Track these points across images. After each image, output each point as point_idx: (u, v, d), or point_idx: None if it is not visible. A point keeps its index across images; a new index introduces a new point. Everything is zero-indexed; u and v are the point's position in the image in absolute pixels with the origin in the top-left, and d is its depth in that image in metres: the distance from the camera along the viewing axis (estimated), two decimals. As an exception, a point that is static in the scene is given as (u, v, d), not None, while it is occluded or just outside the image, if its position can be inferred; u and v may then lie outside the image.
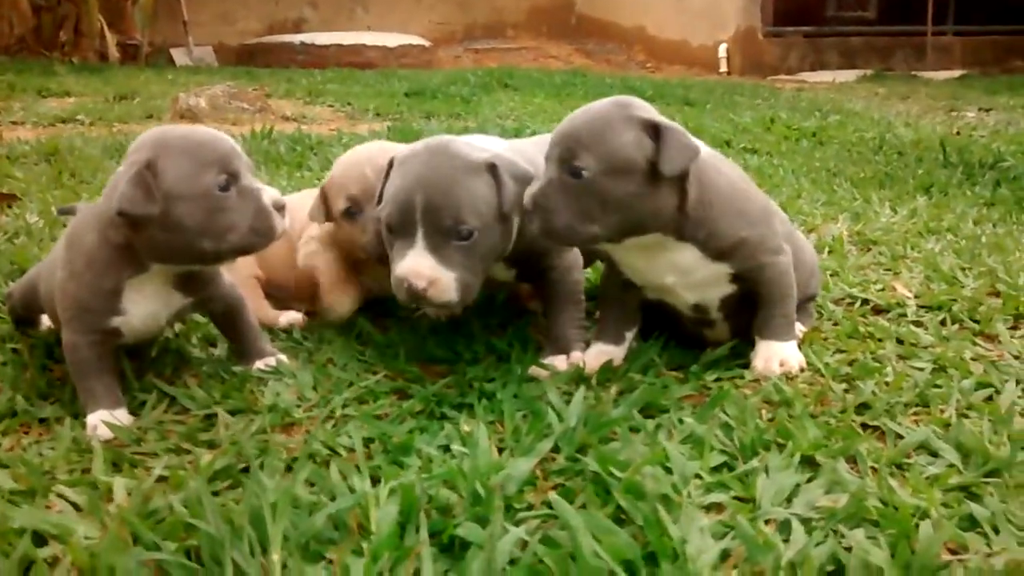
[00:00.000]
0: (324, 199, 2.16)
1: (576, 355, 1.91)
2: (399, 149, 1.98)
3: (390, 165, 1.87)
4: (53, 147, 4.60)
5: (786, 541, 1.20)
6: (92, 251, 1.69)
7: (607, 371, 1.84)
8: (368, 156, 2.11)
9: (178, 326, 2.14)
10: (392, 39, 12.27)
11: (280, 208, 1.71)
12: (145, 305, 1.75)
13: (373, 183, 2.00)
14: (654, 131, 1.67)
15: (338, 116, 6.81)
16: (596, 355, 1.90)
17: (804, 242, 2.09)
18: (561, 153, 1.69)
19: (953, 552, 1.20)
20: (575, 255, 2.01)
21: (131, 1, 11.13)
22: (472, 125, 5.74)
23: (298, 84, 8.44)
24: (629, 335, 1.95)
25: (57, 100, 7.09)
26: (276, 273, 2.28)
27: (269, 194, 1.70)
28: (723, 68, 12.00)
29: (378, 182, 1.93)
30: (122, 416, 1.68)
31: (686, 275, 1.82)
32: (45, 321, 2.13)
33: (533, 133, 5.20)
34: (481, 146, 1.86)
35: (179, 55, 11.62)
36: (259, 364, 1.91)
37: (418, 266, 1.73)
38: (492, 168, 1.78)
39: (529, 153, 1.99)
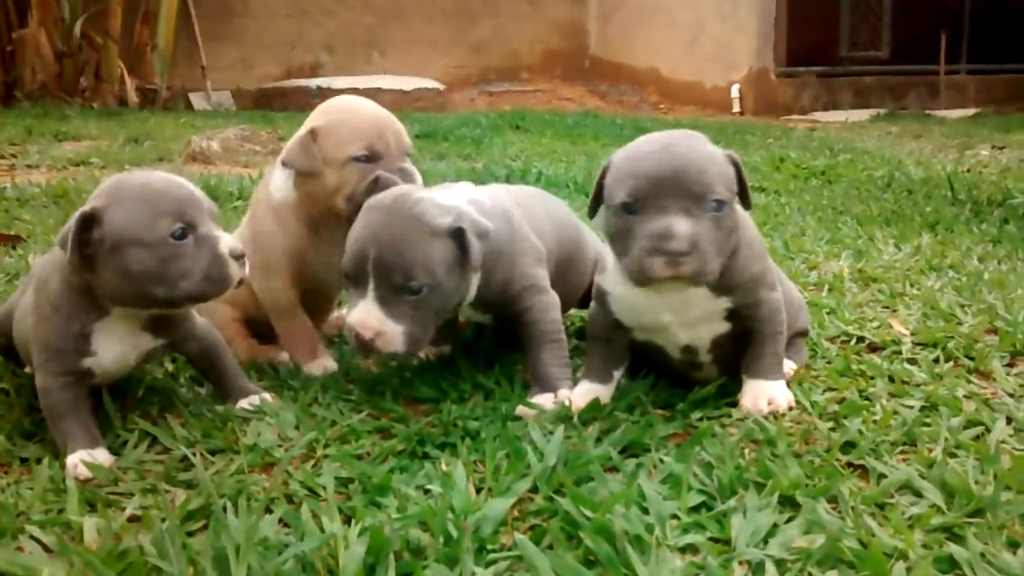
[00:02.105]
0: (314, 143, 2.10)
1: (563, 393, 1.89)
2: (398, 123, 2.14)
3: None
4: (62, 189, 4.65)
5: (759, 583, 1.17)
6: (57, 295, 1.73)
7: (593, 409, 1.81)
8: (387, 119, 2.14)
9: (168, 365, 2.15)
10: (407, 83, 12.39)
11: (238, 257, 1.72)
12: (115, 347, 1.77)
13: (392, 144, 2.10)
14: (735, 165, 1.72)
15: (349, 158, 6.86)
16: (583, 394, 1.88)
17: (785, 278, 2.07)
18: (695, 189, 1.63)
19: (930, 594, 1.17)
20: (552, 296, 2.01)
21: (151, 47, 11.31)
22: (480, 166, 5.76)
23: (311, 127, 8.48)
24: (617, 374, 1.93)
25: (72, 143, 7.18)
26: (252, 313, 2.26)
27: (226, 242, 1.71)
28: (736, 108, 12.03)
29: (396, 147, 2.10)
30: (101, 455, 1.67)
31: (684, 313, 1.80)
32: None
33: (540, 173, 5.24)
34: (449, 204, 1.87)
35: (197, 99, 11.80)
36: (243, 403, 1.90)
37: (366, 318, 1.79)
38: (458, 232, 1.81)
39: (503, 202, 2.03)
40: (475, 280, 1.90)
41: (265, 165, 5.81)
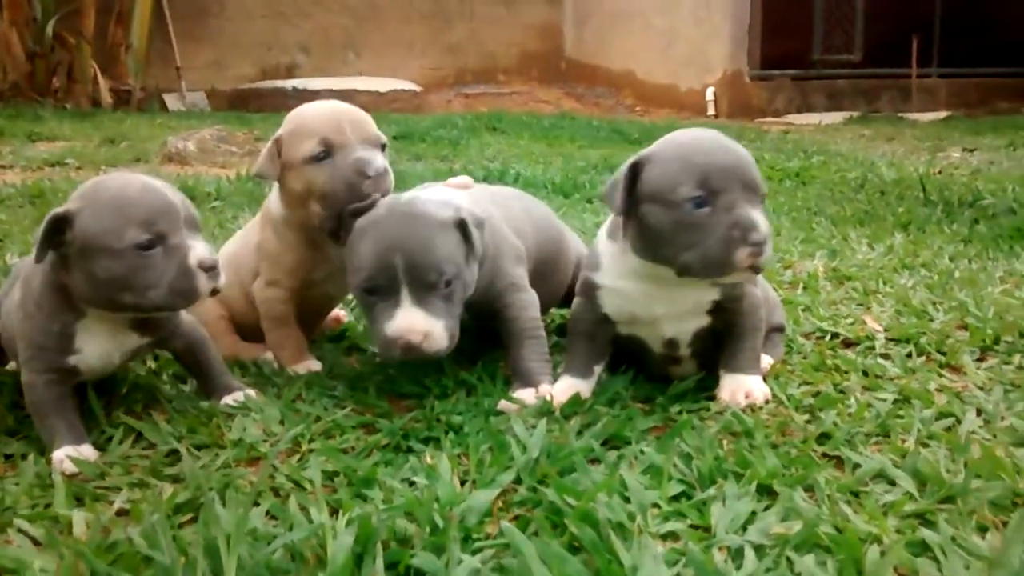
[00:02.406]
0: (279, 149, 2.09)
1: (544, 388, 1.92)
2: (359, 112, 2.09)
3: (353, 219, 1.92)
4: (38, 190, 4.63)
5: (739, 567, 1.21)
6: (40, 293, 1.74)
7: (574, 403, 1.84)
8: (344, 109, 2.09)
9: (150, 363, 2.16)
10: (384, 84, 12.37)
11: (209, 268, 1.70)
12: (99, 345, 1.78)
13: (349, 133, 2.03)
14: None
15: (326, 159, 6.85)
16: (564, 388, 1.91)
17: (760, 277, 2.11)
18: (756, 181, 1.73)
19: (903, 577, 1.20)
20: (531, 294, 2.05)
21: (124, 47, 11.22)
22: (458, 167, 5.78)
23: (288, 128, 8.45)
24: (598, 369, 1.96)
25: (46, 144, 7.13)
26: (239, 312, 2.28)
27: (197, 254, 1.69)
28: (711, 111, 12.10)
29: (353, 135, 2.03)
30: (87, 451, 1.69)
31: (676, 305, 1.85)
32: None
33: (518, 174, 5.27)
34: (442, 198, 1.93)
35: (172, 100, 11.71)
36: (227, 399, 1.91)
37: (412, 322, 1.80)
38: (461, 224, 1.87)
39: (482, 202, 2.07)
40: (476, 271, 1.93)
41: (242, 166, 5.80)
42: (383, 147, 2.09)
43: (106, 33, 11.10)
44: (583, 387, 1.92)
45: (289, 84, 12.14)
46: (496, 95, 13.64)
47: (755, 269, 1.71)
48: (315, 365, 2.16)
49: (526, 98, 13.61)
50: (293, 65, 13.33)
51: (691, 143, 1.76)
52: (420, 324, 1.79)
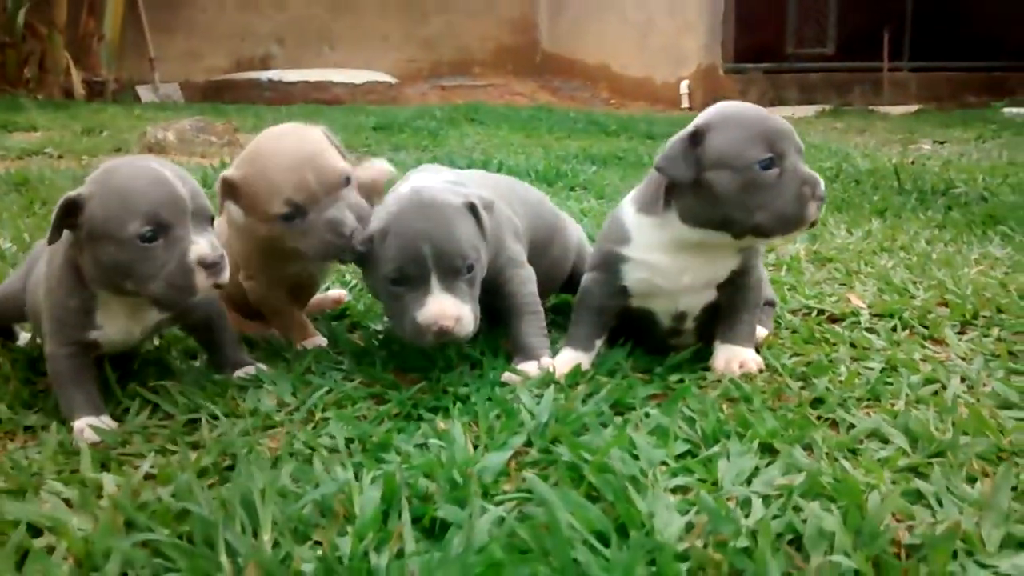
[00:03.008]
0: (233, 193, 2.02)
1: (546, 360, 1.99)
2: (317, 137, 2.02)
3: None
4: (22, 177, 4.63)
5: (747, 516, 1.28)
6: (61, 270, 1.78)
7: (576, 374, 1.91)
8: (306, 157, 1.96)
9: (156, 339, 2.20)
10: (359, 76, 12.37)
11: (210, 265, 1.70)
12: (120, 320, 1.82)
13: (315, 188, 1.94)
14: None
15: (307, 149, 6.87)
16: (567, 360, 1.98)
17: None
18: (800, 143, 1.84)
19: (900, 522, 1.29)
20: (529, 270, 2.12)
21: (97, 38, 11.13)
22: (439, 156, 5.83)
23: (265, 119, 8.48)
24: (599, 343, 2.04)
25: (23, 134, 7.09)
26: (237, 294, 2.29)
27: (199, 251, 1.69)
28: (685, 104, 12.22)
29: (320, 188, 1.93)
30: (106, 421, 1.73)
31: (701, 274, 1.94)
32: (23, 336, 2.19)
33: (501, 163, 5.33)
34: (448, 187, 1.98)
35: (145, 92, 11.63)
36: (239, 373, 1.96)
37: (445, 308, 1.85)
38: (472, 207, 1.93)
39: (478, 181, 2.14)
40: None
41: (223, 156, 5.81)
42: (347, 181, 2.00)
43: (78, 23, 11.00)
44: (584, 359, 1.99)
45: (264, 75, 12.10)
46: (472, 88, 13.68)
47: (813, 224, 1.85)
48: (322, 341, 2.21)
49: (502, 91, 13.66)
50: (267, 56, 13.28)
51: (745, 110, 1.87)
52: (451, 309, 1.85)
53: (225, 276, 1.74)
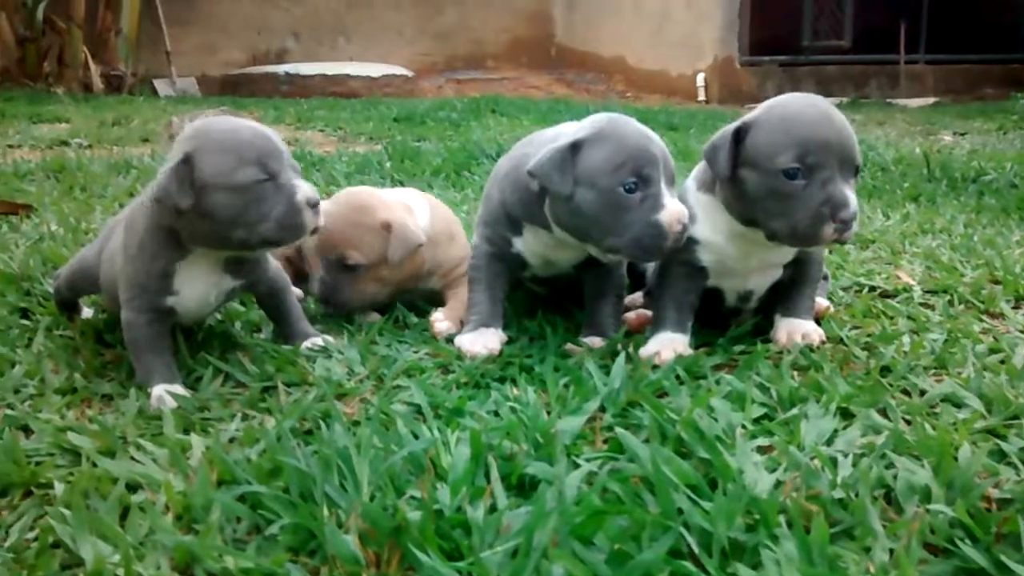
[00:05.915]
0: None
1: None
2: (386, 202, 2.21)
3: None
4: (59, 164, 4.67)
5: (834, 475, 1.30)
6: (144, 235, 1.80)
7: (637, 346, 1.93)
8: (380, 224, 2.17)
9: (218, 314, 2.23)
10: (376, 69, 12.39)
11: (313, 205, 1.79)
12: (196, 286, 1.85)
13: (380, 250, 2.16)
14: None
15: (330, 140, 6.90)
16: (665, 343, 1.92)
17: None
18: (856, 159, 1.77)
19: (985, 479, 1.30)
20: None
21: (115, 32, 11.18)
22: (466, 144, 5.84)
23: (285, 111, 8.53)
24: (690, 323, 1.99)
25: (49, 126, 7.13)
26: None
27: (304, 192, 1.78)
28: (701, 97, 12.21)
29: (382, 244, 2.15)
30: (180, 390, 1.76)
31: (768, 258, 1.94)
32: (85, 311, 2.22)
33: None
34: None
35: (162, 86, 11.66)
36: (307, 344, 1.99)
37: (680, 207, 1.81)
38: None
39: None
40: None
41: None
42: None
43: (96, 18, 11.06)
44: (681, 340, 1.94)
45: (282, 69, 12.13)
46: (487, 81, 13.68)
47: (839, 243, 1.79)
48: (375, 316, 2.24)
49: (517, 84, 13.67)
50: (283, 50, 13.31)
51: (797, 113, 1.79)
52: (685, 210, 1.82)
53: (322, 219, 1.83)
